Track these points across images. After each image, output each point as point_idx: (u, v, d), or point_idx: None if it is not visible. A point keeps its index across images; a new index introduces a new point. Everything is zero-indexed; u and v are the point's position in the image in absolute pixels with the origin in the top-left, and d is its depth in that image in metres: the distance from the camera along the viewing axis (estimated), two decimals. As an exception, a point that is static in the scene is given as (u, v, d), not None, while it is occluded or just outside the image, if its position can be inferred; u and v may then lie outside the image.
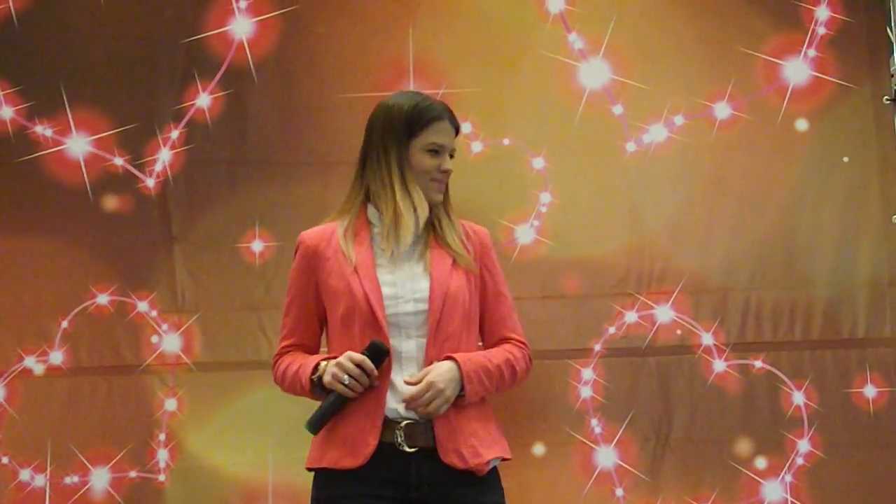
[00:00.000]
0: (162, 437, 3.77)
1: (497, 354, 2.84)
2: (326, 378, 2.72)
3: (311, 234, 2.88)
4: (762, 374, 3.73)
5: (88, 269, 3.82)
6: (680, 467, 3.71)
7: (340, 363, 2.69)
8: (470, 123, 3.80)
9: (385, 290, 2.74)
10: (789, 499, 3.67)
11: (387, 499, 2.68)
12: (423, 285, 2.76)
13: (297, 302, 2.89)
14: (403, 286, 2.76)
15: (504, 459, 2.88)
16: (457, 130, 2.87)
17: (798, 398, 3.71)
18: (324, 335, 2.95)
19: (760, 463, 3.70)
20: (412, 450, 2.69)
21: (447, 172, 2.85)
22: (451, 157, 2.87)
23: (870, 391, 3.68)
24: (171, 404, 3.79)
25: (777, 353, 3.72)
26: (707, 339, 3.75)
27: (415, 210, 2.77)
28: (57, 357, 3.81)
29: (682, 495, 3.69)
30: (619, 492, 3.71)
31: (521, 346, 2.95)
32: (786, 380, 3.72)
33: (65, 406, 3.80)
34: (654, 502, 3.70)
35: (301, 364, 2.82)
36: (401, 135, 2.79)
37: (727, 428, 3.71)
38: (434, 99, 2.88)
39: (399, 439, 2.68)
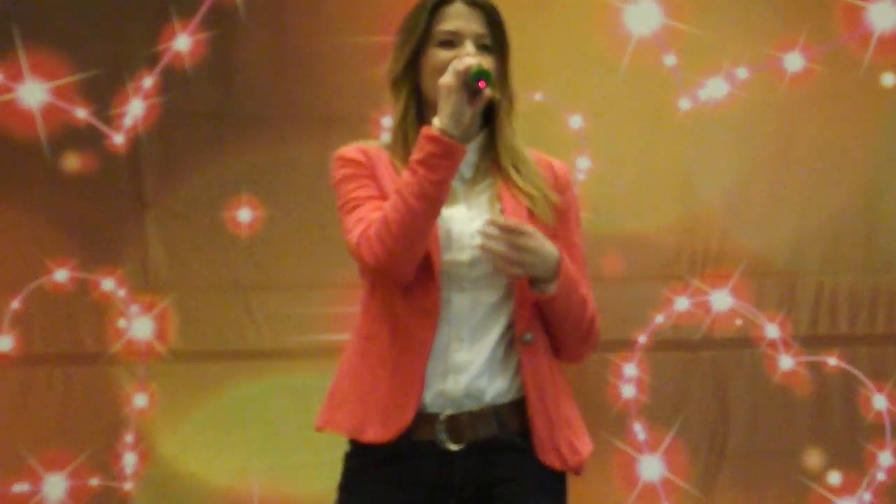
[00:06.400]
0: (129, 438, 3.67)
1: (585, 288, 2.47)
2: (444, 83, 2.22)
3: (353, 146, 2.46)
4: (837, 373, 3.67)
5: (44, 239, 3.69)
6: (738, 482, 3.65)
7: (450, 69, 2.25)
8: (496, 75, 3.60)
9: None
10: (868, 521, 3.70)
11: None
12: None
13: (366, 185, 2.39)
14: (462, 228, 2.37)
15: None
16: (484, 9, 2.37)
17: (880, 402, 3.64)
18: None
19: (834, 478, 3.64)
20: (457, 447, 2.32)
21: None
22: (488, 46, 2.35)
23: (964, 395, 3.72)
24: (140, 400, 3.68)
25: (855, 349, 3.67)
26: (772, 331, 3.67)
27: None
28: (6, 343, 3.68)
29: (739, 514, 3.71)
30: (666, 509, 3.71)
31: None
32: (865, 380, 3.65)
33: (14, 401, 3.68)
34: (707, 523, 3.73)
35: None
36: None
37: (795, 436, 3.66)
38: None
39: (440, 436, 2.31)
